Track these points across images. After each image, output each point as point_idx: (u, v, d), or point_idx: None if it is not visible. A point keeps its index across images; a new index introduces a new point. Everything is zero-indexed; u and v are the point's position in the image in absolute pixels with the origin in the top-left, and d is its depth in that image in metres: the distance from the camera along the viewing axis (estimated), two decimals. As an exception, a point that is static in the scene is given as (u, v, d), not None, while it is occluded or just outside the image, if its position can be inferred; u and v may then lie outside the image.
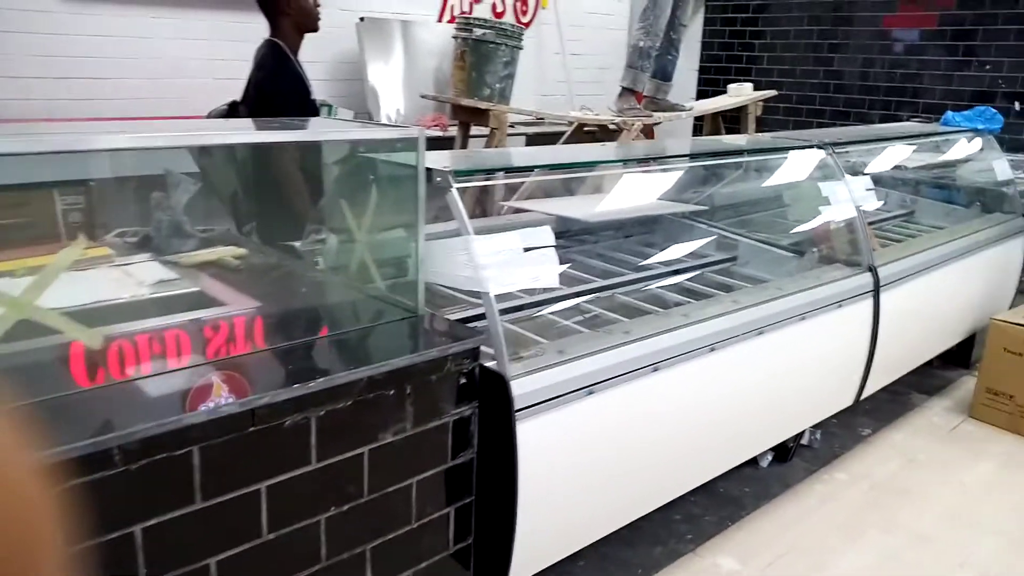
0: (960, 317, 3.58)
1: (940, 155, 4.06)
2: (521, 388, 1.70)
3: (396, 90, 4.98)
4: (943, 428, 3.59)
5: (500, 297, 2.15)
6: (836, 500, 2.89)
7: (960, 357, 4.06)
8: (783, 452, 3.06)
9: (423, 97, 4.13)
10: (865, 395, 2.93)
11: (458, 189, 1.75)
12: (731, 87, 4.54)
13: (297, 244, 2.27)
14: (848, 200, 2.78)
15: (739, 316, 2.29)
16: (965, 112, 3.89)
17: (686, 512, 2.75)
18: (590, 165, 2.36)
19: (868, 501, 2.89)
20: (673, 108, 4.27)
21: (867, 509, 2.84)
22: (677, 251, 3.13)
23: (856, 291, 2.69)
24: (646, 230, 3.37)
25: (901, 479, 3.07)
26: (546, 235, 1.83)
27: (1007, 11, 5.69)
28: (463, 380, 1.67)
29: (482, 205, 2.50)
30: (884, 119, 6.32)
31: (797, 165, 2.92)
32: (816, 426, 3.13)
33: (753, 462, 2.94)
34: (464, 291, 2.03)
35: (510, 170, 2.03)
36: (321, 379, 1.44)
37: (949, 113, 3.92)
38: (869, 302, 2.76)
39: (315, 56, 4.98)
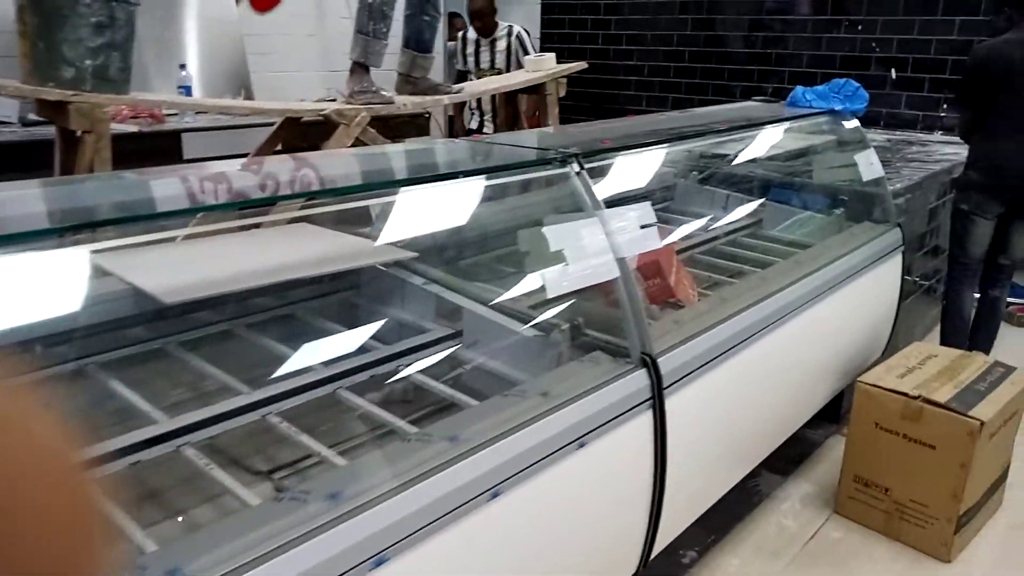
0: (813, 386, 2.55)
1: (793, 144, 3.01)
2: None
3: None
4: (798, 537, 2.55)
5: None
6: None
7: (827, 409, 3.05)
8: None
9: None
10: (656, 552, 1.83)
11: None
12: (527, 59, 3.39)
13: None
14: (605, 249, 1.65)
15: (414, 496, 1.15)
16: (818, 87, 2.84)
17: None
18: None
19: None
20: (435, 90, 3.07)
21: None
22: (370, 328, 1.96)
23: (618, 408, 1.57)
24: (344, 285, 2.18)
25: (727, 653, 2.02)
26: None
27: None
28: None
29: None
30: (747, 92, 5.30)
31: (534, 191, 1.78)
32: None
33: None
34: None
35: None
36: None
37: (799, 89, 2.86)
38: (646, 418, 1.64)
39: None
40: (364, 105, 2.72)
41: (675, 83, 5.69)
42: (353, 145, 2.67)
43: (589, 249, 1.64)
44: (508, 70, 4.40)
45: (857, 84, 2.83)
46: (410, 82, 3.03)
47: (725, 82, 5.46)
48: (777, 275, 2.31)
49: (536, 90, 3.33)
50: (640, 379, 1.64)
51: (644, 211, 1.78)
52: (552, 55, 3.54)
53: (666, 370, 1.68)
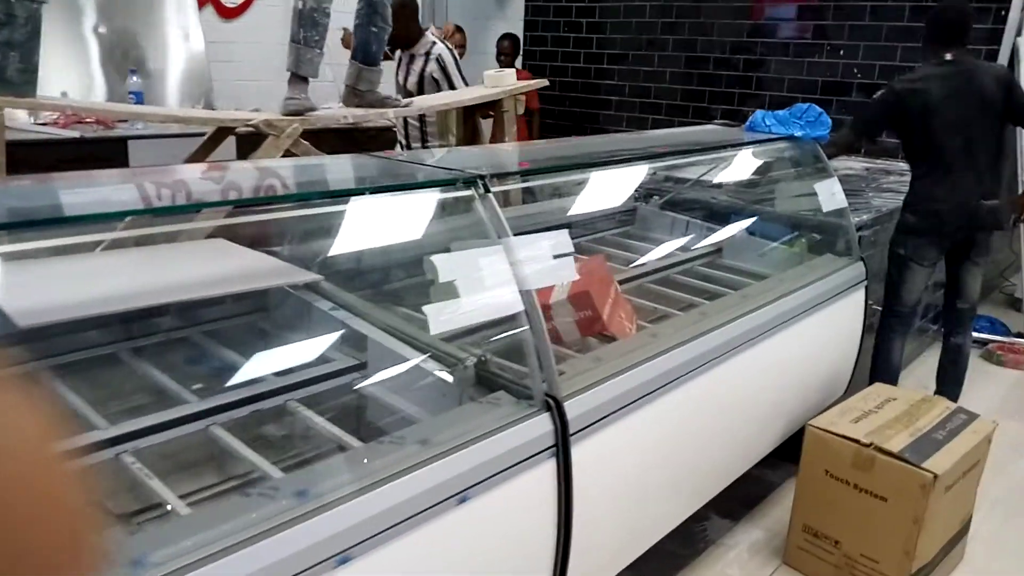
0: (760, 429, 2.39)
1: (752, 170, 2.87)
2: None
3: None
4: (743, 589, 2.39)
5: None
6: None
7: (787, 446, 2.88)
8: None
9: None
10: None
11: None
12: (487, 74, 3.26)
13: None
14: (508, 280, 1.50)
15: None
16: (779, 112, 2.70)
17: None
18: None
19: None
20: (383, 103, 2.93)
21: None
22: (265, 356, 1.81)
23: (512, 458, 1.41)
24: (249, 308, 2.03)
25: None
26: None
27: (861, -18, 4.61)
28: None
29: None
30: (727, 115, 5.18)
31: (447, 214, 1.64)
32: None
33: None
34: None
35: None
36: None
37: (758, 113, 2.72)
38: (548, 468, 1.49)
39: None
40: (294, 117, 2.58)
41: (656, 104, 5.56)
42: (284, 156, 2.53)
43: (490, 280, 1.49)
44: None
45: (820, 110, 2.69)
46: (356, 95, 2.89)
47: (705, 104, 5.34)
48: (720, 309, 2.16)
49: (493, 107, 3.19)
50: (541, 424, 1.48)
51: (559, 240, 1.63)
52: (512, 71, 3.40)
53: (573, 415, 1.52)
